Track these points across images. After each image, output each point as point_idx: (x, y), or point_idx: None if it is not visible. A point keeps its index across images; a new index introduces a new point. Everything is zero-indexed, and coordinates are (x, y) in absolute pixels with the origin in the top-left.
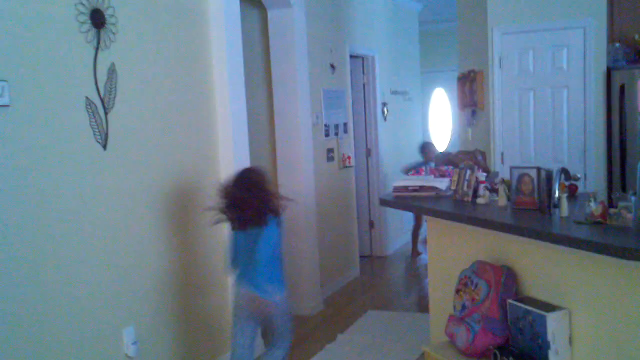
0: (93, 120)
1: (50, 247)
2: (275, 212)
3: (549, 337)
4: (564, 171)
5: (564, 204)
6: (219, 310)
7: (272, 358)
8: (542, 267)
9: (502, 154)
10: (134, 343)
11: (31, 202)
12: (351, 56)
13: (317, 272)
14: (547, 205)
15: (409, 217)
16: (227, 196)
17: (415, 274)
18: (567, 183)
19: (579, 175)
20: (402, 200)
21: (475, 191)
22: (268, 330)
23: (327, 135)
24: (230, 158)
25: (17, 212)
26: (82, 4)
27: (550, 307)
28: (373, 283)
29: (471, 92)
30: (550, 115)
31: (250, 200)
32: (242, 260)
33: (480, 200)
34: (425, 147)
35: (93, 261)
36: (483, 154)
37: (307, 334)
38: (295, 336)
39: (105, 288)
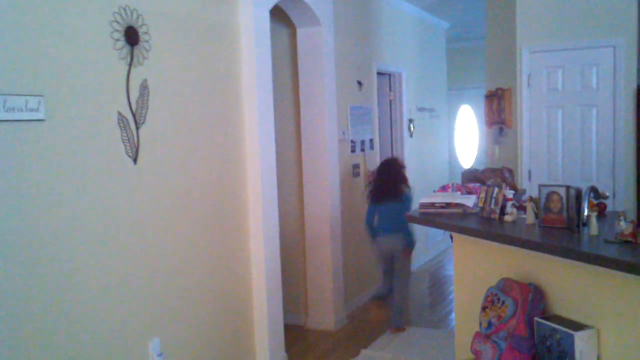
0: (124, 134)
1: (80, 258)
2: (407, 189)
3: (577, 356)
4: (593, 189)
5: (594, 222)
6: (244, 323)
7: (399, 284)
8: (570, 286)
9: (529, 172)
10: (160, 355)
11: (63, 214)
12: (378, 73)
13: (342, 286)
14: (576, 223)
15: (433, 233)
16: (376, 179)
17: (440, 291)
18: (596, 202)
19: (607, 194)
20: (429, 216)
21: (503, 209)
22: (396, 265)
23: (353, 151)
24: (258, 171)
25: (49, 225)
26: (117, 22)
27: (578, 326)
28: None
29: (499, 109)
30: (578, 134)
31: (391, 181)
32: (386, 221)
33: (507, 218)
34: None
35: (121, 273)
36: (510, 171)
37: (331, 349)
38: (319, 350)
39: (132, 299)
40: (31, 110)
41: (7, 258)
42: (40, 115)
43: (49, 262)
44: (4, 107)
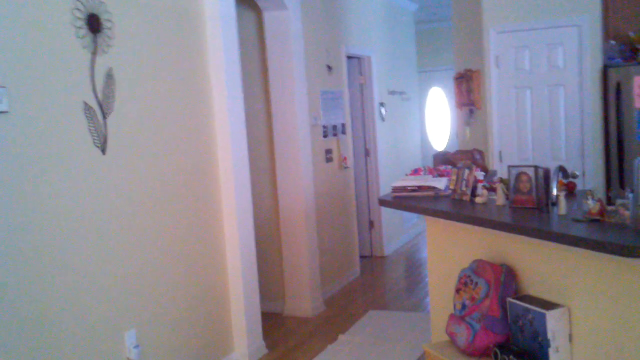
0: (92, 125)
1: (51, 251)
2: None
3: (549, 335)
4: (562, 169)
5: (562, 202)
6: (221, 312)
7: None
8: (541, 265)
9: (500, 153)
10: (136, 347)
11: (31, 207)
12: (348, 57)
13: (318, 272)
14: (545, 203)
15: (408, 217)
16: None
17: (416, 274)
18: (565, 181)
19: (577, 173)
20: (401, 200)
21: (474, 190)
22: None
23: (325, 136)
24: (229, 159)
25: (16, 217)
26: (78, 9)
27: (550, 305)
28: (373, 283)
29: (468, 91)
30: (547, 114)
31: None
32: None
33: (478, 200)
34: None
35: (94, 265)
36: (481, 153)
37: (308, 335)
38: (297, 337)
39: (107, 291)
40: None
41: None
42: (3, 107)
43: (16, 255)
44: None
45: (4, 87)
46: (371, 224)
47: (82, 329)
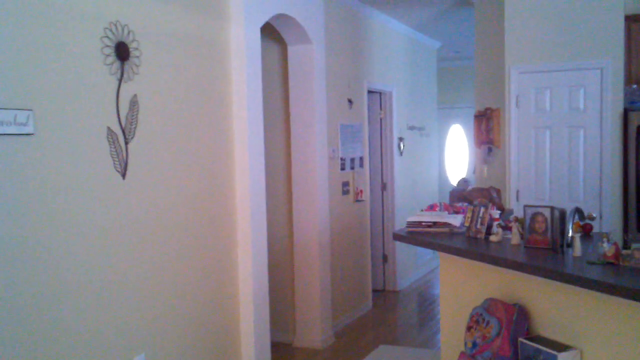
0: (113, 149)
1: (68, 272)
2: None
3: None
4: (578, 211)
5: (577, 243)
6: (231, 341)
7: None
8: (554, 307)
9: (517, 192)
10: None
11: (50, 228)
12: (369, 91)
13: (329, 304)
14: (560, 244)
15: (422, 252)
16: None
17: (428, 310)
18: (581, 222)
19: (594, 215)
20: (416, 235)
21: (489, 228)
22: None
23: (342, 168)
24: (247, 188)
25: (36, 239)
26: (107, 37)
27: (562, 347)
28: (385, 318)
29: (488, 129)
30: (566, 155)
31: None
32: None
33: (493, 238)
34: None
35: (108, 288)
36: (498, 191)
37: None
38: None
39: (118, 315)
40: (20, 124)
41: None
42: (29, 130)
43: (35, 275)
44: None
45: (31, 110)
46: (385, 258)
47: (92, 352)
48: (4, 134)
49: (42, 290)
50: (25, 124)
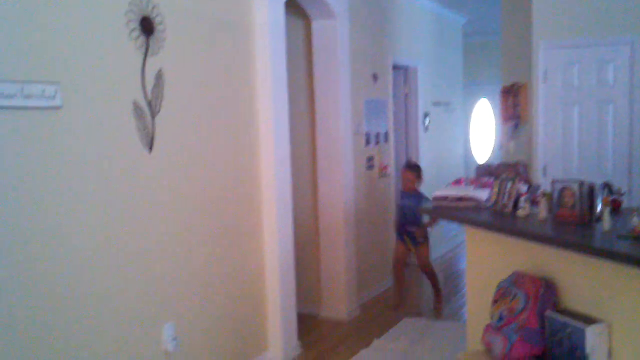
0: (140, 123)
1: (95, 245)
2: None
3: (588, 350)
4: (607, 185)
5: (607, 217)
6: (258, 311)
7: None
8: (582, 280)
9: (544, 168)
10: (174, 339)
11: (79, 201)
12: (394, 67)
13: (355, 277)
14: (588, 219)
15: (448, 227)
16: None
17: (455, 284)
18: (610, 197)
19: (623, 190)
20: (442, 209)
21: (516, 203)
22: None
23: (367, 143)
24: (272, 162)
25: (65, 212)
26: (132, 11)
27: (590, 320)
28: (410, 291)
29: (514, 104)
30: (595, 130)
31: None
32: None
33: (520, 212)
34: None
35: (137, 260)
36: (525, 166)
37: (343, 338)
38: (332, 339)
39: (148, 284)
40: (48, 97)
41: (27, 242)
42: (57, 103)
43: (65, 248)
44: (22, 94)
45: (58, 83)
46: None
47: (121, 319)
48: (33, 107)
49: (73, 263)
50: (53, 97)
